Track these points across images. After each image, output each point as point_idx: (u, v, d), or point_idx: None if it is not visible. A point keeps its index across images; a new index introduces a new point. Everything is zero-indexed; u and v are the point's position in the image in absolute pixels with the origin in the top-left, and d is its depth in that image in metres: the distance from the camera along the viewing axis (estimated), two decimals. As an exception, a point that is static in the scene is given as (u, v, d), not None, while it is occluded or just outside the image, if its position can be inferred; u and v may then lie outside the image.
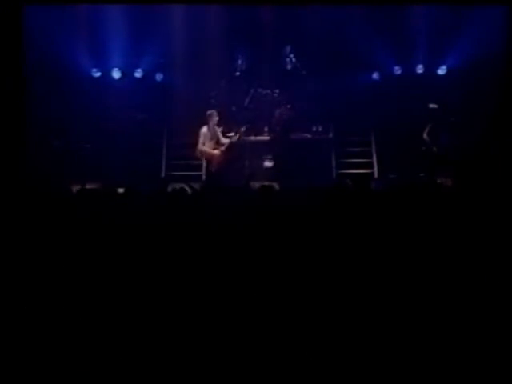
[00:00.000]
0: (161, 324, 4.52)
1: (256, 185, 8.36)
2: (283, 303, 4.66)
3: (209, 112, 11.95)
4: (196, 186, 8.54)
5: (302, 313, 4.58)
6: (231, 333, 4.45)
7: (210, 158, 12.07)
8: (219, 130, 12.10)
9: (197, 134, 12.08)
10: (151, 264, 5.10)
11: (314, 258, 5.14)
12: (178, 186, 7.79)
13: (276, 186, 8.38)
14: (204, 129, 11.94)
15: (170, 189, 8.10)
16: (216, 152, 11.92)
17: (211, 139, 11.95)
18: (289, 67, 14.01)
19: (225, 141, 12.06)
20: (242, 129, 12.49)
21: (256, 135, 13.43)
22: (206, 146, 11.94)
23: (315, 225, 5.77)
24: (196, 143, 12.10)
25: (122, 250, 5.29)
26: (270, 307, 4.62)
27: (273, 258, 5.14)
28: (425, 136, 12.38)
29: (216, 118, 11.94)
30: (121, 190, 7.33)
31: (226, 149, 11.97)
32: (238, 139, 12.31)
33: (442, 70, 13.69)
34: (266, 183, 8.28)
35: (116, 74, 13.70)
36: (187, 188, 7.49)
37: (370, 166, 13.53)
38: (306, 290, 4.79)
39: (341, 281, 4.88)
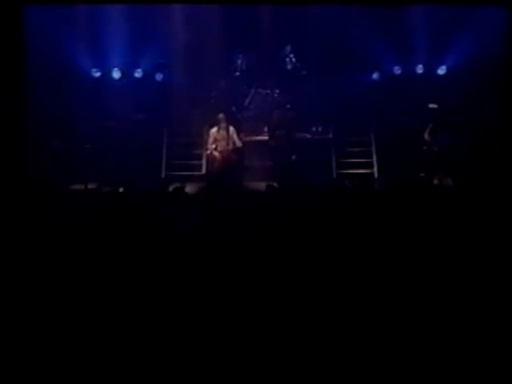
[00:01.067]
0: (160, 324, 4.52)
1: (261, 184, 8.41)
2: (285, 301, 4.66)
3: (219, 116, 12.07)
4: (189, 187, 8.55)
5: (303, 310, 4.58)
6: (232, 334, 4.45)
7: (212, 160, 12.15)
8: (233, 131, 12.11)
9: (201, 134, 12.29)
10: (151, 264, 5.10)
11: (315, 258, 5.14)
12: (174, 185, 7.82)
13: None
14: (213, 129, 12.04)
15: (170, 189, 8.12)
16: (217, 154, 11.98)
17: (221, 140, 12.03)
18: (289, 67, 14.02)
19: (238, 142, 12.10)
20: (249, 138, 12.72)
21: (256, 135, 13.43)
22: (217, 146, 12.03)
23: (315, 224, 5.78)
24: (201, 143, 12.26)
25: (121, 250, 5.29)
26: (273, 306, 4.63)
27: (274, 257, 5.14)
28: (426, 136, 12.36)
29: (224, 121, 12.06)
30: (121, 190, 7.35)
31: (229, 151, 12.03)
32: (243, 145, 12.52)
33: (441, 70, 13.68)
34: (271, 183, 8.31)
35: (116, 74, 13.70)
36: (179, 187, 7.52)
37: (369, 166, 13.52)
38: (307, 290, 4.79)
39: (342, 279, 4.89)
